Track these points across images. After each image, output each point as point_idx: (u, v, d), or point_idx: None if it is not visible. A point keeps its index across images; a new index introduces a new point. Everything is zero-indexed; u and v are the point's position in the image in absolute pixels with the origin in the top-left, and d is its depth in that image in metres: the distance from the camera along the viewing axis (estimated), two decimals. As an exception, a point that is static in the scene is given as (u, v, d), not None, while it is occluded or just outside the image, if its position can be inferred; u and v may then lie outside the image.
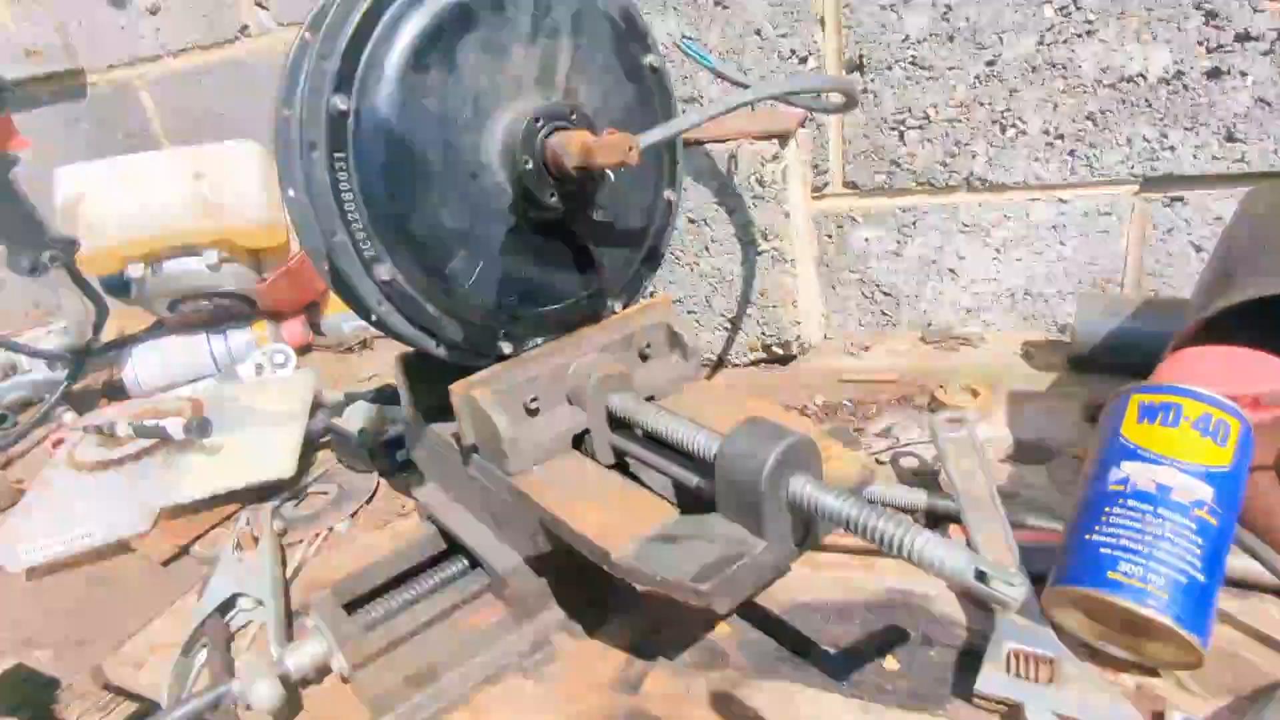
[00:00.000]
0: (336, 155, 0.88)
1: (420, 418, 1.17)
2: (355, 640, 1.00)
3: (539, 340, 1.10)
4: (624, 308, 1.19)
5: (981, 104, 1.60)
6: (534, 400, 1.04)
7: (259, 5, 2.01)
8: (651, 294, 1.28)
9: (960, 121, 1.63)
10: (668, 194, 1.20)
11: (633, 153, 0.88)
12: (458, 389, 1.01)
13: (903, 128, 1.68)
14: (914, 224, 1.76)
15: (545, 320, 1.09)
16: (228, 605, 1.14)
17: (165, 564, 1.36)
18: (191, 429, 1.42)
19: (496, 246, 0.99)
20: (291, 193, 0.93)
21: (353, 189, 0.89)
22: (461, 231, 0.96)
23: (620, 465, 1.08)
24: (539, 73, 0.99)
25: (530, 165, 0.96)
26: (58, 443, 1.71)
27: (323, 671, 1.01)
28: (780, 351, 1.76)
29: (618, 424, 1.06)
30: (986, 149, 1.64)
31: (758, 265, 1.68)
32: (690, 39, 1.38)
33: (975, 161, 1.66)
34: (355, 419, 1.55)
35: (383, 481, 1.53)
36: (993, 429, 1.39)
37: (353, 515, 1.43)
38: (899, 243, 1.79)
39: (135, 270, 1.78)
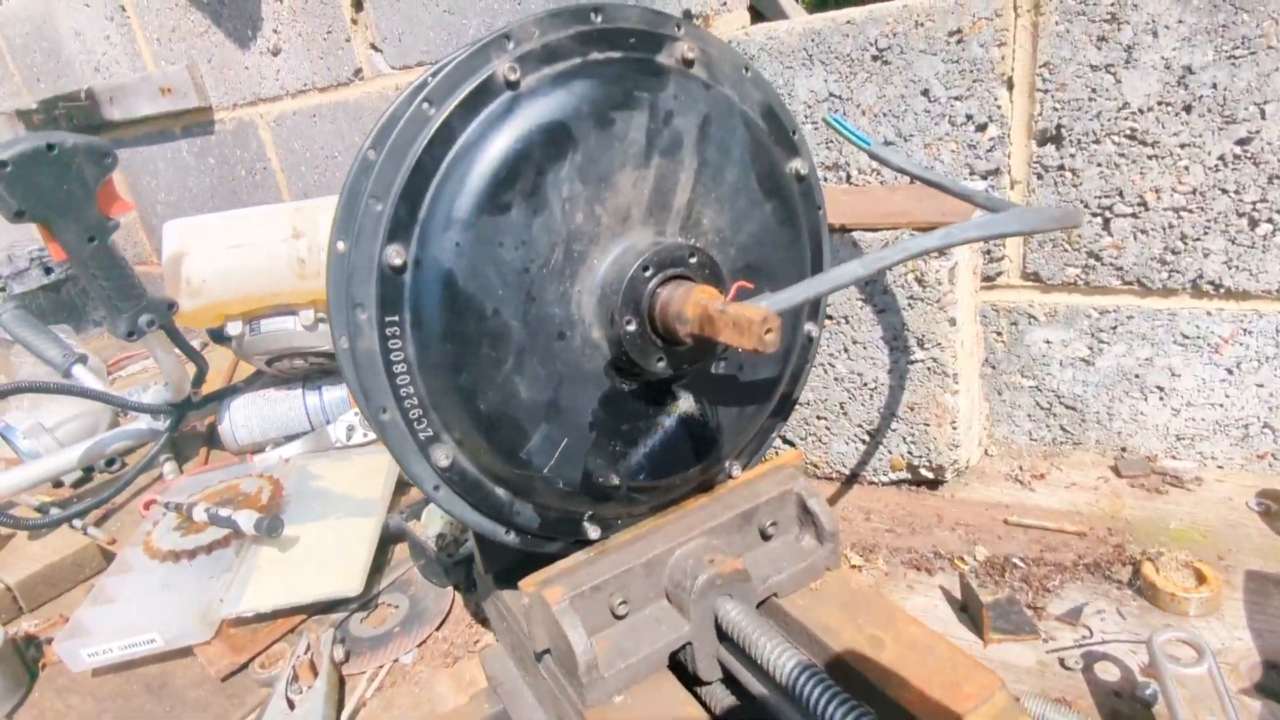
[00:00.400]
0: (388, 319, 0.69)
1: (491, 581, 0.99)
2: None
3: (634, 517, 0.88)
4: (744, 469, 0.96)
5: (1224, 191, 1.25)
6: (622, 603, 0.82)
7: (374, 48, 1.90)
8: (776, 450, 1.04)
9: (1191, 211, 1.28)
10: (809, 328, 0.96)
11: (770, 336, 0.64)
12: (527, 586, 0.81)
13: (1109, 214, 1.34)
14: (1113, 329, 1.42)
15: (644, 496, 0.87)
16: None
17: (224, 679, 1.25)
18: (262, 528, 1.31)
19: (586, 419, 0.78)
20: (344, 344, 0.75)
21: (406, 359, 0.71)
22: (542, 404, 0.76)
23: (730, 677, 0.85)
24: (652, 201, 0.77)
25: (634, 326, 0.74)
26: (148, 504, 1.67)
27: None
28: (929, 475, 1.47)
29: (727, 634, 0.83)
30: (1226, 246, 1.28)
31: (908, 375, 1.39)
32: (838, 115, 1.13)
33: (1208, 261, 1.30)
34: (434, 521, 1.40)
35: (458, 597, 1.37)
36: (1226, 632, 1.05)
37: (421, 643, 1.28)
38: (1091, 349, 1.45)
39: (234, 328, 1.73)
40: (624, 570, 0.82)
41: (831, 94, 1.46)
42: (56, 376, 1.78)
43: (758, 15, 1.61)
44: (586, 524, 0.85)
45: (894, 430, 1.45)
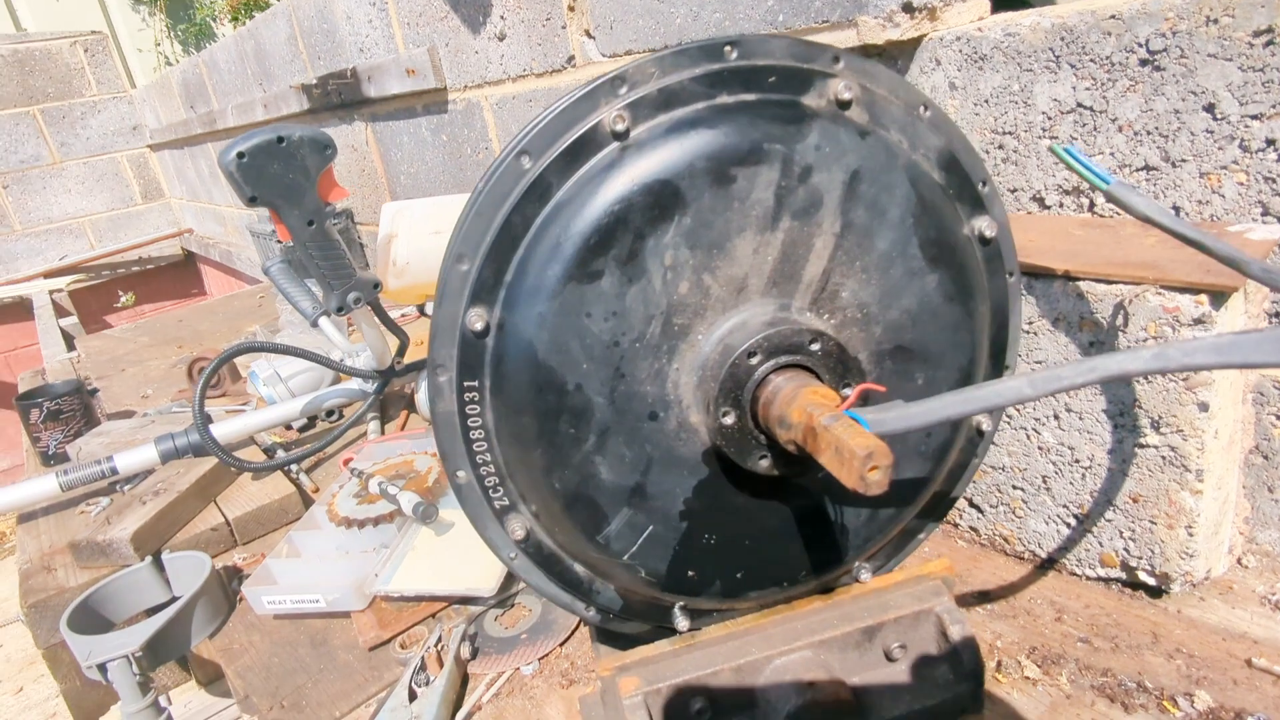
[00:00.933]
0: (467, 384, 0.65)
1: (597, 633, 0.94)
2: None
3: (734, 612, 0.79)
4: (875, 574, 0.82)
5: None
6: (702, 710, 0.74)
7: (587, 35, 1.89)
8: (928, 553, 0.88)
9: None
10: (979, 418, 0.78)
11: (874, 476, 0.51)
12: (604, 667, 0.75)
13: None
14: None
15: (745, 590, 0.77)
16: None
17: (370, 649, 1.34)
18: (418, 512, 1.39)
19: (676, 507, 0.70)
20: (427, 402, 0.72)
21: (484, 425, 0.66)
22: (626, 488, 0.68)
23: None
24: (777, 270, 0.65)
25: (731, 419, 0.63)
26: (346, 461, 1.85)
27: None
28: (1149, 581, 1.19)
29: (819, 770, 0.71)
30: None
31: (1135, 461, 1.12)
32: (1072, 146, 0.90)
33: None
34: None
35: (590, 613, 1.35)
36: None
37: (543, 657, 1.28)
38: None
39: (431, 307, 1.83)
40: (710, 672, 0.73)
41: (1080, 104, 1.19)
42: (307, 325, 2.02)
43: (1006, 3, 1.36)
44: (677, 612, 0.77)
45: (1109, 520, 1.19)
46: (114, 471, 1.71)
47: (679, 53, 0.63)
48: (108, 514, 1.58)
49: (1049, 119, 1.25)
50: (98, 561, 1.50)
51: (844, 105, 0.65)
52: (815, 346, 0.63)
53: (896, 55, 1.40)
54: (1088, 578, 1.25)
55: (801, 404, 0.59)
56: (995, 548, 1.34)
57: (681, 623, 0.76)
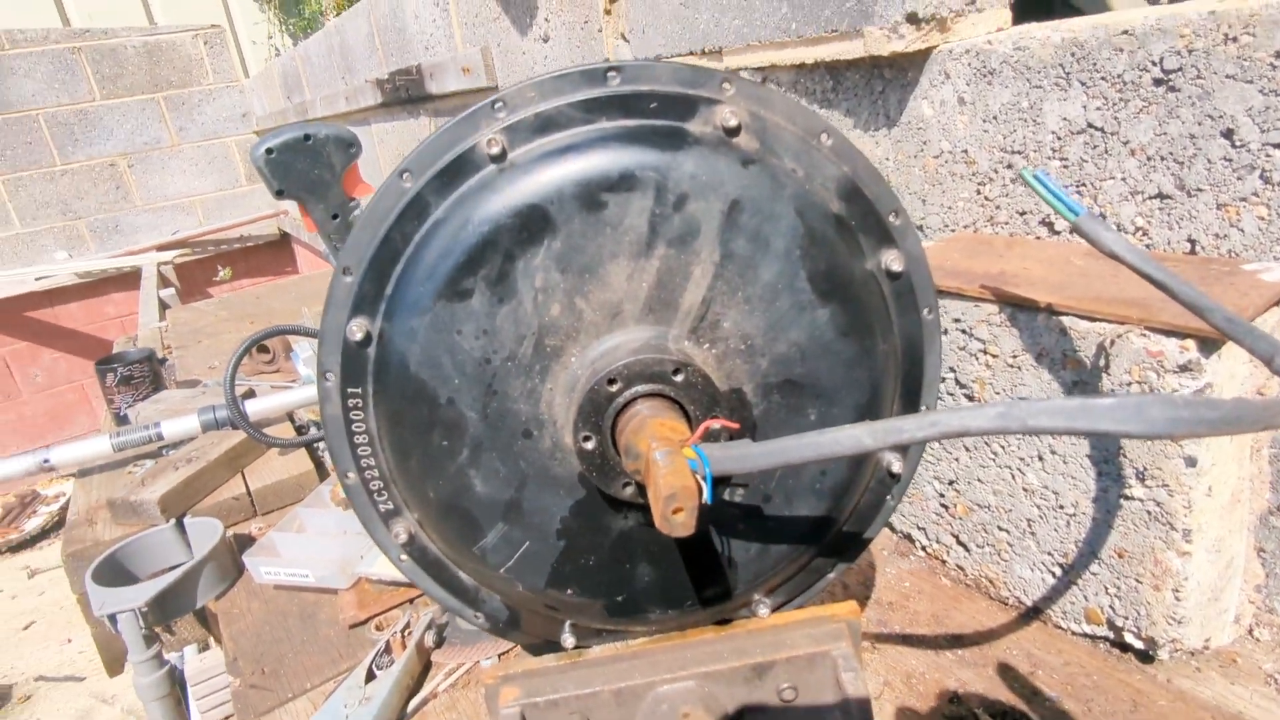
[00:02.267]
0: (350, 390, 0.68)
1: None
2: None
3: (622, 635, 0.79)
4: (774, 610, 0.80)
5: None
6: (577, 727, 0.74)
7: (622, 38, 1.89)
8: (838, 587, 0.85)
9: None
10: (889, 459, 0.75)
11: (678, 518, 0.50)
12: (489, 675, 0.77)
13: None
14: None
15: (627, 613, 0.77)
16: (331, 733, 1.11)
17: (350, 628, 1.41)
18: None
19: (553, 525, 0.70)
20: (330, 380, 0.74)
21: (368, 430, 0.69)
22: (501, 502, 0.69)
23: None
24: (653, 297, 0.65)
25: (591, 445, 0.64)
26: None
27: None
28: (1136, 643, 1.11)
29: (687, 802, 0.71)
30: None
31: (1119, 513, 1.05)
32: (1041, 171, 0.82)
33: None
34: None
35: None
36: None
37: (504, 653, 1.31)
38: None
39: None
40: (589, 693, 0.74)
41: (1091, 125, 1.11)
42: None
43: (1030, 14, 1.27)
44: (566, 629, 0.77)
45: (1094, 573, 1.12)
46: (160, 437, 1.85)
47: (559, 77, 0.63)
48: (144, 476, 1.71)
49: (1059, 139, 1.17)
50: (130, 519, 1.63)
51: (731, 132, 0.64)
52: (679, 377, 0.62)
53: (906, 67, 1.34)
54: (1073, 632, 1.18)
55: (647, 435, 0.58)
56: (980, 589, 1.28)
57: (568, 640, 0.77)
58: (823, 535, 0.75)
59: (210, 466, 1.74)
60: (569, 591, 0.72)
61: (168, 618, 1.44)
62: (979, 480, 1.22)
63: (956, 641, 1.20)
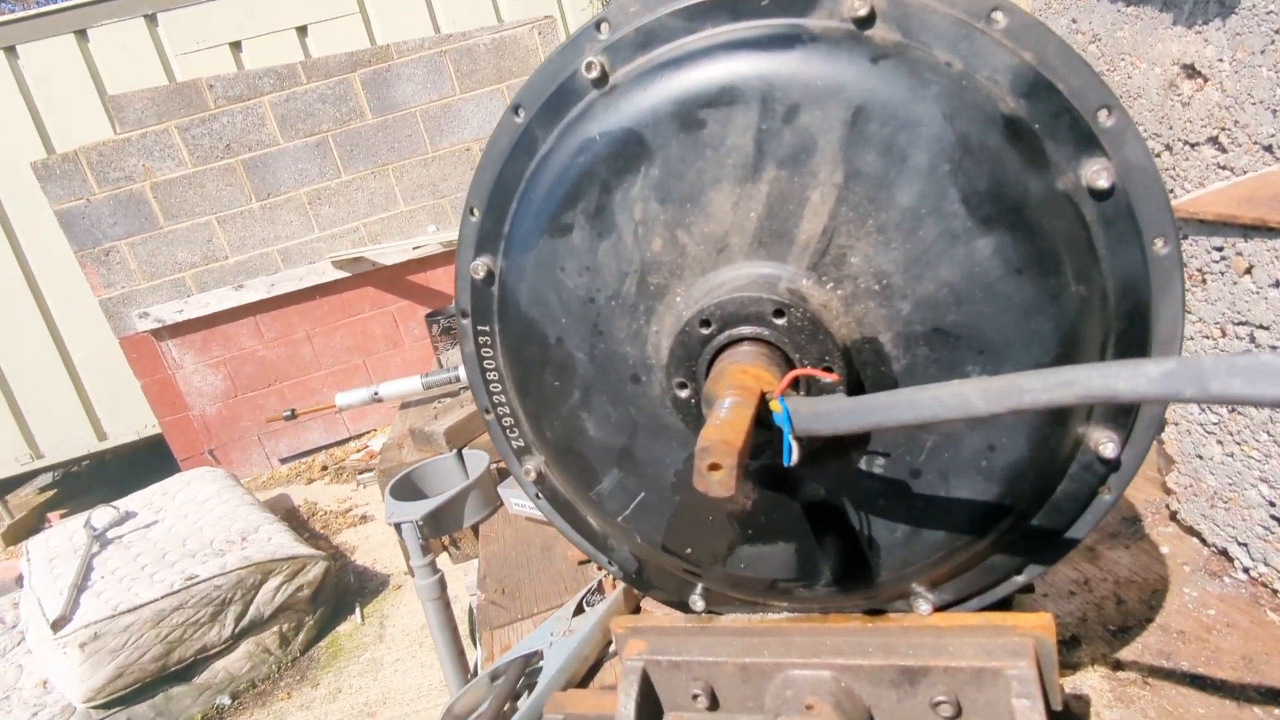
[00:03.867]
0: (480, 328, 0.70)
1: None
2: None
3: (760, 607, 0.71)
4: (940, 609, 0.66)
5: None
6: (698, 695, 0.70)
7: None
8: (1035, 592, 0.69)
9: None
10: (1097, 437, 0.57)
11: (716, 477, 0.43)
12: (619, 623, 0.75)
13: None
14: None
15: (761, 588, 0.69)
16: (532, 657, 1.20)
17: (579, 564, 1.50)
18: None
19: (667, 478, 0.66)
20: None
21: (498, 369, 0.71)
22: (614, 448, 0.66)
23: None
24: (762, 228, 0.56)
25: (686, 392, 0.58)
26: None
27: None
28: None
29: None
30: None
31: None
32: None
33: None
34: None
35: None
36: None
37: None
38: None
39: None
40: (713, 661, 0.69)
41: None
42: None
43: None
44: (697, 592, 0.73)
45: None
46: (458, 379, 2.13)
47: (661, -15, 0.56)
48: (438, 411, 1.99)
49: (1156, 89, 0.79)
50: (425, 446, 1.91)
51: (862, 23, 0.52)
52: (780, 320, 0.53)
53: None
54: None
55: (725, 383, 0.51)
56: (1312, 631, 0.95)
57: (698, 603, 0.72)
58: (996, 525, 0.60)
59: (487, 406, 1.97)
60: (687, 550, 0.67)
61: (440, 532, 1.67)
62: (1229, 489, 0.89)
63: (1275, 698, 0.90)
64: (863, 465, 0.59)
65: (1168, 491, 1.23)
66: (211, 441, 6.01)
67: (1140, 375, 0.34)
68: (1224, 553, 1.10)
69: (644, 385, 0.63)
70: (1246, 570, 1.06)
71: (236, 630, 3.28)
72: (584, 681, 1.18)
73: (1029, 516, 0.60)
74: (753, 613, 0.71)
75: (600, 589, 1.34)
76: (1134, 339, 0.54)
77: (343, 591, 4.39)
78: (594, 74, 0.58)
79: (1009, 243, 0.51)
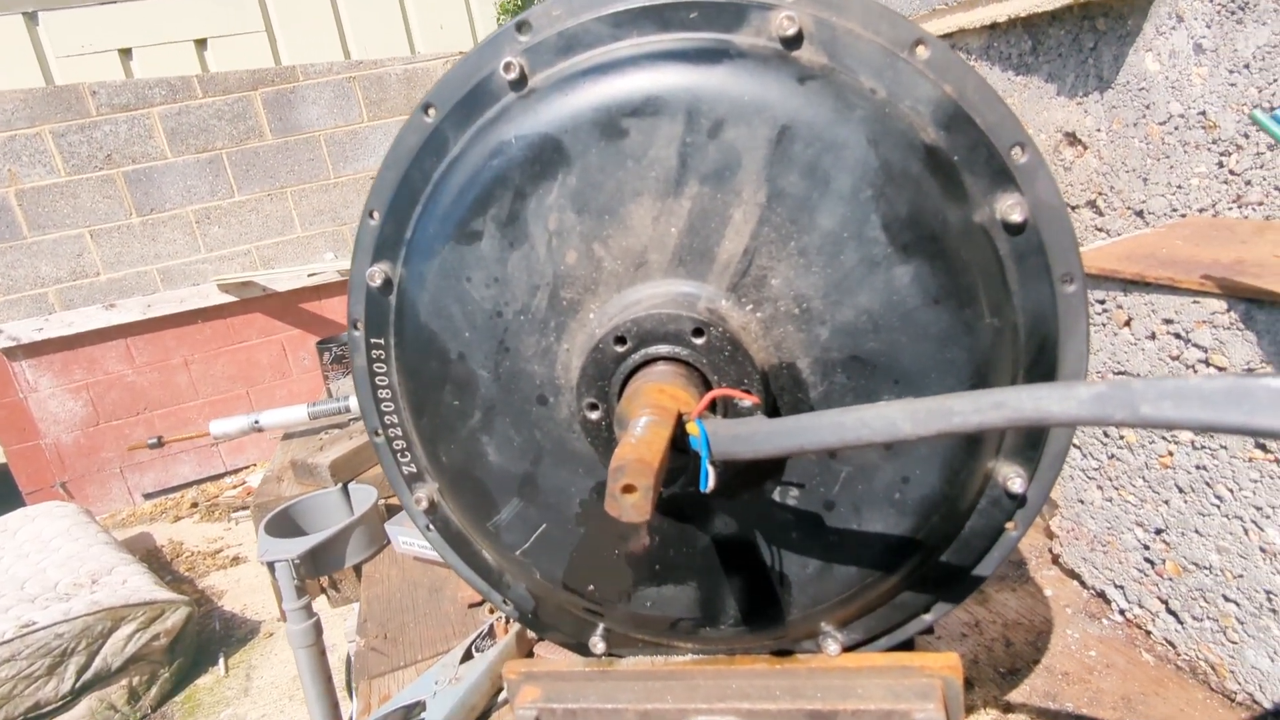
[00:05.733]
0: (374, 341, 0.64)
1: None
2: None
3: (662, 649, 0.68)
4: (848, 649, 0.64)
5: None
6: (595, 746, 0.65)
7: None
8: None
9: None
10: (1006, 473, 0.57)
11: (629, 500, 0.39)
12: (511, 669, 0.69)
13: None
14: None
15: (666, 628, 0.65)
16: (413, 709, 1.11)
17: (469, 606, 1.41)
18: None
19: (572, 509, 0.62)
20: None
21: (390, 386, 0.65)
22: (515, 475, 0.62)
23: None
24: (683, 245, 0.54)
25: (597, 415, 0.54)
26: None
27: None
28: None
29: None
30: None
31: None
32: (1276, 110, 0.58)
33: None
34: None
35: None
36: None
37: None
38: None
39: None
40: (612, 708, 0.64)
41: (1263, 106, 0.82)
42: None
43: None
44: (598, 634, 0.68)
45: (1360, 678, 0.81)
46: (348, 410, 2.01)
47: (587, -11, 0.55)
48: (323, 442, 1.86)
49: (1248, 69, 0.88)
50: (307, 480, 1.78)
51: (789, 43, 0.51)
52: (700, 339, 0.51)
53: (1125, 13, 1.09)
54: (1326, 753, 0.87)
55: (641, 403, 0.48)
56: (1197, 675, 0.99)
57: (598, 645, 0.68)
58: (907, 560, 0.59)
59: (379, 439, 1.86)
60: (589, 587, 0.63)
61: (319, 572, 1.54)
62: (1197, 532, 0.94)
63: (1151, 738, 0.93)
64: (776, 496, 0.57)
65: (1050, 535, 1.28)
66: (65, 473, 5.47)
67: (1071, 398, 0.33)
68: (1102, 595, 1.14)
69: (551, 407, 0.59)
70: (1122, 612, 1.10)
71: (78, 685, 2.93)
72: (471, 734, 1.10)
73: (938, 553, 0.60)
74: (655, 654, 0.67)
75: (492, 633, 1.27)
76: (1042, 373, 0.55)
77: (206, 640, 4.03)
78: (512, 75, 0.55)
79: (927, 272, 0.51)
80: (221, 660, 3.78)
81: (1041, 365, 0.55)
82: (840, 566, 0.58)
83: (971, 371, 0.53)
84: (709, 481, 0.46)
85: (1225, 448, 0.87)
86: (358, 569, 1.74)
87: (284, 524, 1.64)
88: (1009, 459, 0.57)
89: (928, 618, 0.63)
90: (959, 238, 0.51)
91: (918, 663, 0.61)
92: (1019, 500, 0.58)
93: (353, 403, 1.99)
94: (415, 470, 0.67)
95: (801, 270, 0.52)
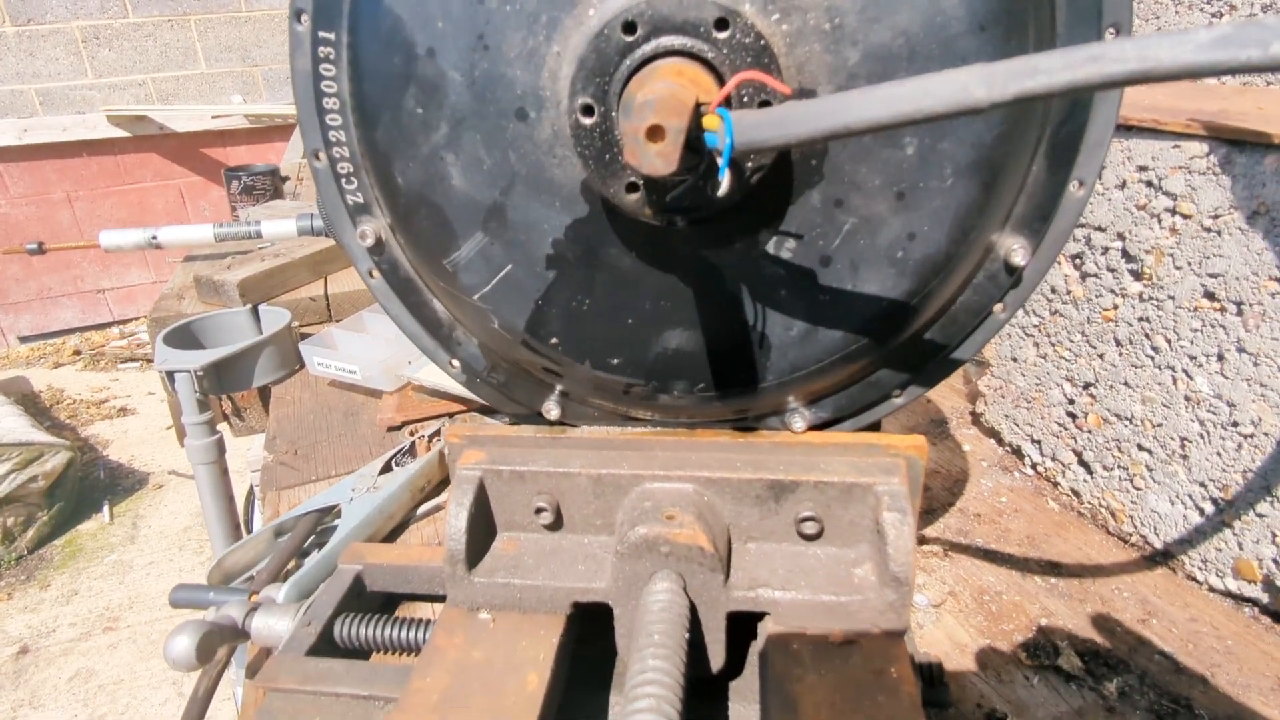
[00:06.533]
0: (323, 35, 0.55)
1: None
2: (287, 663, 0.78)
3: (620, 419, 0.64)
4: (814, 427, 0.62)
5: None
6: (543, 510, 0.61)
7: None
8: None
9: None
10: (1009, 244, 0.54)
11: (658, 149, 0.34)
12: (453, 433, 0.64)
13: None
14: None
15: (631, 395, 0.61)
16: (327, 512, 1.05)
17: (387, 430, 1.35)
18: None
19: (543, 249, 0.55)
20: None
21: (339, 94, 0.56)
22: (481, 205, 0.55)
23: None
24: (706, -73, 0.46)
25: (591, 118, 0.47)
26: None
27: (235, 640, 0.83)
28: (1302, 615, 0.85)
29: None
30: None
31: (1324, 439, 0.78)
32: None
33: None
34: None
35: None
36: None
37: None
38: None
39: None
40: (561, 473, 0.60)
41: None
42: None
43: None
44: (553, 398, 0.63)
45: (1260, 516, 0.86)
46: (259, 235, 1.85)
47: None
48: (231, 262, 1.71)
49: None
50: (212, 298, 1.64)
51: None
52: (722, 33, 0.44)
53: None
54: (1211, 588, 0.93)
55: (655, 82, 0.41)
56: (1096, 521, 1.04)
57: (553, 410, 0.63)
58: (895, 332, 0.56)
59: (294, 264, 1.73)
60: (552, 340, 0.58)
61: (223, 389, 1.44)
62: (1126, 384, 0.97)
63: (1051, 569, 0.98)
64: (770, 248, 0.53)
65: (973, 399, 1.31)
66: (-75, 304, 5.00)
67: (1187, 43, 0.29)
68: (1017, 451, 1.19)
69: (531, 124, 0.51)
70: (1034, 466, 1.15)
71: (-58, 516, 2.75)
72: (386, 541, 1.06)
73: (925, 327, 0.57)
74: (612, 425, 0.64)
75: (413, 451, 1.22)
76: (1067, 135, 0.51)
77: (89, 488, 3.84)
78: None
79: (978, -8, 0.46)
80: (106, 507, 3.61)
81: (1069, 127, 0.51)
82: (826, 330, 0.55)
83: (1001, 118, 0.49)
84: (725, 183, 0.40)
85: (1172, 298, 0.89)
86: (264, 395, 1.64)
87: (185, 338, 1.52)
88: (1015, 230, 0.54)
89: (898, 400, 0.61)
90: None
91: (883, 441, 0.60)
92: (1016, 277, 0.55)
93: (265, 227, 1.83)
94: (362, 201, 0.59)
95: (842, -33, 0.46)
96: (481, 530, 0.61)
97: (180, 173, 5.62)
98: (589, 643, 0.63)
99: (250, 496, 1.80)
